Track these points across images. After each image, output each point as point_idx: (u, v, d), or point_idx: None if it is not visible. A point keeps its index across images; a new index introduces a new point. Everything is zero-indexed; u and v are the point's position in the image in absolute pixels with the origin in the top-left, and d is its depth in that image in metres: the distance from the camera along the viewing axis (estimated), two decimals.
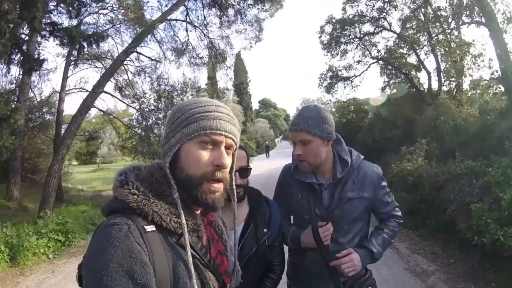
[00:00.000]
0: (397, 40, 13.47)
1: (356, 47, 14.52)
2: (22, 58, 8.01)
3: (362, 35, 14.14)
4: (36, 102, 11.81)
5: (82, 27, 9.98)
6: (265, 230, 1.53)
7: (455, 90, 12.14)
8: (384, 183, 1.69)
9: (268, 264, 1.60)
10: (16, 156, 8.89)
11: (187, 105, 0.89)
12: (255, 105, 63.56)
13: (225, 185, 0.89)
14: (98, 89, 8.83)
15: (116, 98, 11.76)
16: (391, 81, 14.56)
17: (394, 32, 13.42)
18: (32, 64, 8.08)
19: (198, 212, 0.91)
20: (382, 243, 1.66)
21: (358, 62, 14.73)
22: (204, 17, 12.44)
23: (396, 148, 9.21)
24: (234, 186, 1.03)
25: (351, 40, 14.39)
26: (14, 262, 5.07)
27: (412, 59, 13.43)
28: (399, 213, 1.77)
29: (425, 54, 12.90)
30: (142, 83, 12.54)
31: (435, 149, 7.97)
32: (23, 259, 5.11)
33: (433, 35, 12.08)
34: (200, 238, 0.87)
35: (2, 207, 8.59)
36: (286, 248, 1.72)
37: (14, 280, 4.67)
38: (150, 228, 0.76)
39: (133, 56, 11.05)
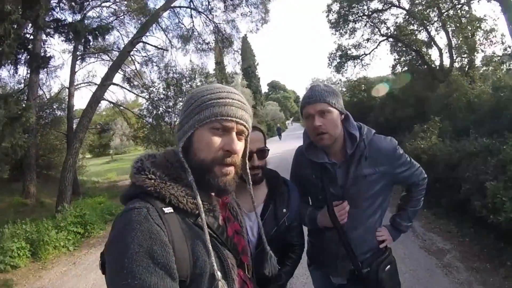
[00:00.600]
0: (407, 17, 13.09)
1: (365, 25, 14.23)
2: (28, 57, 8.09)
3: (370, 12, 13.79)
4: (46, 99, 11.99)
5: (86, 21, 9.96)
6: (284, 210, 1.54)
7: (467, 66, 11.88)
8: (399, 152, 1.62)
9: (288, 244, 1.60)
10: (30, 153, 9.08)
11: (200, 92, 0.92)
12: (264, 88, 63.47)
13: (236, 169, 0.92)
14: (106, 81, 8.89)
15: (125, 89, 11.88)
16: (402, 59, 14.20)
17: (403, 9, 13.03)
18: (39, 62, 8.15)
19: (213, 194, 0.93)
20: (407, 218, 1.75)
21: (368, 40, 14.47)
22: (208, 2, 12.28)
23: (409, 127, 9.09)
24: (248, 170, 1.06)
25: (359, 18, 14.06)
26: (36, 257, 5.24)
27: (423, 36, 13.10)
28: (423, 174, 1.72)
29: (436, 30, 12.55)
30: (150, 72, 12.66)
31: (449, 127, 7.84)
32: (44, 253, 5.27)
33: (443, 11, 11.71)
34: (216, 218, 0.91)
35: (19, 205, 8.85)
36: (306, 228, 1.72)
37: (36, 275, 4.83)
38: (168, 209, 0.79)
39: (139, 46, 11.07)
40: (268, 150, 1.54)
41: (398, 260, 1.74)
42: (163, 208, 0.79)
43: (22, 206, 8.81)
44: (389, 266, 1.62)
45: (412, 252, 4.22)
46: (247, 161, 1.06)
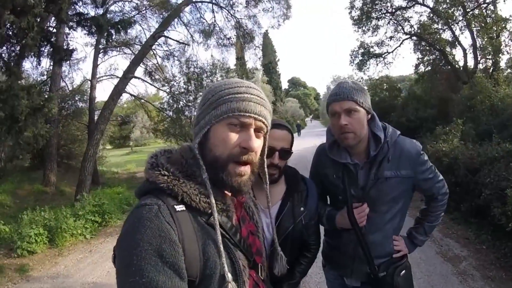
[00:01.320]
0: (431, 15, 12.75)
1: (388, 23, 13.94)
2: (51, 49, 8.31)
3: (394, 10, 13.49)
4: (68, 91, 12.30)
5: (108, 16, 10.16)
6: (301, 208, 1.52)
7: (491, 68, 11.54)
8: (424, 158, 1.56)
9: (304, 243, 1.59)
10: (51, 143, 9.37)
11: (218, 86, 0.89)
12: (284, 85, 63.06)
13: (253, 168, 0.88)
14: (128, 74, 9.06)
15: (147, 82, 12.09)
16: (425, 58, 13.84)
17: (427, 7, 12.69)
18: (61, 55, 8.36)
19: (228, 193, 0.91)
20: (424, 233, 1.70)
21: (391, 38, 14.18)
22: None
23: (431, 128, 8.88)
24: (266, 169, 1.03)
25: (383, 15, 13.79)
26: (53, 243, 5.40)
27: (447, 35, 12.75)
28: (445, 188, 1.65)
29: (460, 30, 12.22)
30: (171, 66, 12.75)
31: (471, 130, 7.62)
32: (61, 240, 5.42)
33: (468, 10, 11.35)
34: (230, 218, 0.88)
35: (40, 192, 9.15)
36: (322, 228, 1.69)
37: (52, 261, 4.97)
38: (180, 207, 0.78)
39: (161, 40, 11.22)
40: (292, 152, 1.51)
41: (413, 265, 1.70)
42: (175, 206, 0.77)
43: (42, 194, 9.11)
44: (404, 271, 1.59)
45: (428, 257, 4.14)
46: (265, 159, 1.02)
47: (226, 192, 0.89)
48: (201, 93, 11.03)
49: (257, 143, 0.87)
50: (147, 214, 0.73)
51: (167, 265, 0.70)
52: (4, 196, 8.43)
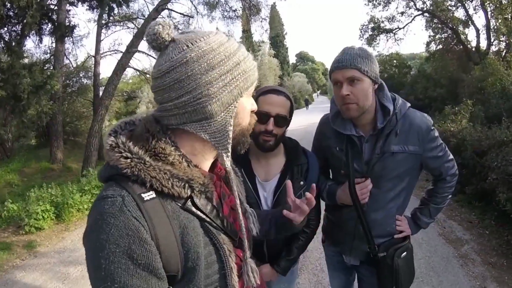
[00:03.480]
0: None
1: None
2: (53, 27, 8.18)
3: None
4: (72, 68, 12.24)
5: None
6: (301, 182, 1.46)
7: (505, 50, 11.24)
8: (434, 134, 1.46)
9: None
10: (57, 120, 9.41)
11: (226, 48, 0.73)
12: (292, 59, 61.56)
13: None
14: (131, 49, 8.92)
15: (151, 56, 11.86)
16: (437, 36, 13.47)
17: None
18: (63, 31, 8.24)
19: (206, 170, 0.81)
20: (429, 215, 1.63)
21: (402, 13, 13.80)
22: None
23: (440, 108, 8.74)
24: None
25: None
26: (60, 219, 5.49)
27: (460, 14, 12.37)
28: (454, 169, 1.57)
29: (474, 9, 11.85)
30: None
31: (480, 112, 7.46)
32: (68, 215, 5.51)
33: None
34: (210, 199, 0.77)
35: (47, 169, 9.27)
36: (323, 203, 1.65)
37: (59, 236, 5.07)
38: (148, 195, 0.66)
39: (165, 13, 10.89)
40: (290, 120, 1.44)
41: (415, 245, 1.67)
42: (142, 195, 0.65)
43: (49, 171, 9.24)
44: (405, 253, 1.54)
45: (430, 238, 4.13)
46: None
47: (203, 170, 0.79)
48: None
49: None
50: (110, 209, 0.62)
51: (140, 267, 0.62)
52: (12, 175, 8.56)
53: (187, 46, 0.70)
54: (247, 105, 0.80)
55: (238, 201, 0.84)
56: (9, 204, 5.48)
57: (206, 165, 0.82)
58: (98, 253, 0.61)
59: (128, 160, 0.67)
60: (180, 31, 0.79)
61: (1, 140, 8.62)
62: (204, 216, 0.74)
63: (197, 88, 0.70)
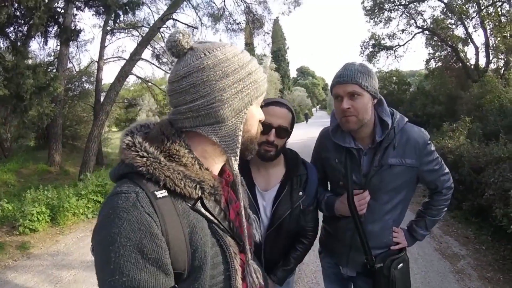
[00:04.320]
0: (444, 10, 12.53)
1: (401, 15, 13.85)
2: (58, 30, 8.27)
3: (407, 2, 13.36)
4: (75, 72, 12.31)
5: None
6: (300, 193, 1.49)
7: (503, 68, 11.42)
8: (430, 148, 1.50)
9: (301, 229, 1.56)
10: (57, 123, 9.41)
11: (238, 59, 0.78)
12: (293, 73, 62.18)
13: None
14: (135, 56, 8.98)
15: (154, 65, 11.99)
16: (436, 54, 13.68)
17: (441, 1, 12.49)
18: (69, 35, 8.33)
19: (215, 173, 0.84)
20: (425, 227, 1.66)
21: (403, 31, 14.10)
22: None
23: (438, 124, 8.80)
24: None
25: (396, 7, 13.67)
26: (55, 222, 5.44)
27: (460, 32, 12.63)
28: (450, 183, 1.60)
29: (474, 28, 12.12)
30: None
31: (478, 129, 7.53)
32: (63, 219, 5.46)
33: (483, 7, 11.14)
34: (218, 201, 0.79)
35: (44, 172, 9.22)
36: (321, 214, 1.66)
37: (53, 239, 5.03)
38: (161, 193, 0.69)
39: (169, 23, 10.98)
40: (291, 132, 1.47)
41: (411, 260, 1.67)
42: (155, 192, 0.68)
43: (46, 173, 9.19)
44: (401, 264, 1.55)
45: (427, 253, 4.13)
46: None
47: (214, 173, 0.82)
48: None
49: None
50: (124, 204, 0.64)
51: (149, 262, 0.63)
52: (8, 175, 8.52)
53: (205, 54, 0.75)
54: (256, 113, 0.84)
55: (242, 206, 0.87)
56: (4, 203, 5.44)
57: (215, 169, 0.85)
58: (108, 247, 0.62)
59: (144, 159, 0.70)
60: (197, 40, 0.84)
61: (0, 139, 8.61)
62: (212, 218, 0.76)
63: (211, 93, 0.74)
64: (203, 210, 0.75)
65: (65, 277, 3.78)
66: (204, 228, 0.74)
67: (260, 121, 0.87)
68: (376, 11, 13.83)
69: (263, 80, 0.82)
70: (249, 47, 15.05)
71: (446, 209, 1.65)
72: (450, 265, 3.85)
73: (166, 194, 0.69)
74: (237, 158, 0.80)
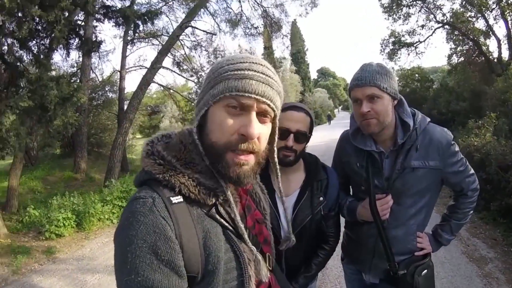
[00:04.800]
0: (464, 2, 12.10)
1: (420, 10, 13.46)
2: (80, 42, 8.56)
3: None
4: (98, 82, 12.74)
5: (135, 7, 10.29)
6: (321, 198, 1.47)
7: None
8: (454, 149, 1.45)
9: (323, 235, 1.54)
10: (82, 132, 9.76)
11: (221, 62, 0.78)
12: (313, 75, 61.72)
13: (258, 158, 0.78)
14: (156, 65, 9.17)
15: (175, 72, 12.25)
16: (458, 48, 13.24)
17: None
18: (90, 46, 8.59)
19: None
20: (450, 231, 1.60)
21: (422, 26, 13.70)
22: None
23: (463, 122, 8.54)
24: (276, 160, 0.92)
25: (414, 2, 13.30)
26: (80, 227, 5.64)
27: (480, 24, 12.16)
28: (475, 184, 1.54)
29: (494, 19, 11.63)
30: (199, 56, 12.70)
31: (505, 125, 7.20)
32: (89, 224, 5.65)
33: None
34: (233, 208, 0.79)
35: (70, 179, 9.58)
36: (343, 219, 1.64)
37: (79, 244, 5.20)
38: (176, 199, 0.72)
39: (188, 31, 11.20)
40: (309, 136, 1.45)
41: (437, 264, 1.62)
42: (171, 198, 0.71)
43: (72, 180, 9.54)
44: (426, 271, 1.51)
45: (453, 256, 3.99)
46: (275, 148, 0.90)
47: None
48: None
49: (260, 130, 0.75)
50: (141, 208, 0.68)
51: (163, 263, 0.66)
52: (35, 182, 8.89)
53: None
54: (218, 117, 0.76)
55: (267, 214, 0.93)
56: (31, 210, 5.68)
57: None
58: (126, 248, 0.66)
59: (161, 167, 0.75)
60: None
61: (27, 148, 8.98)
62: (226, 224, 0.78)
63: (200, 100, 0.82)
64: (217, 216, 0.76)
65: (89, 281, 3.90)
66: (218, 233, 0.75)
67: (240, 133, 0.74)
68: (394, 7, 13.50)
69: (224, 76, 0.75)
70: (268, 50, 15.09)
71: (472, 212, 1.59)
72: (477, 269, 3.71)
73: (181, 200, 0.72)
74: (207, 172, 0.77)
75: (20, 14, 5.18)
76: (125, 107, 9.95)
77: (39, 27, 5.86)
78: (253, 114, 0.74)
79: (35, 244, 5.04)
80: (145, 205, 0.69)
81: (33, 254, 4.68)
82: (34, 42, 6.17)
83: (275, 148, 0.91)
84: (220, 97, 0.74)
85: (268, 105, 0.76)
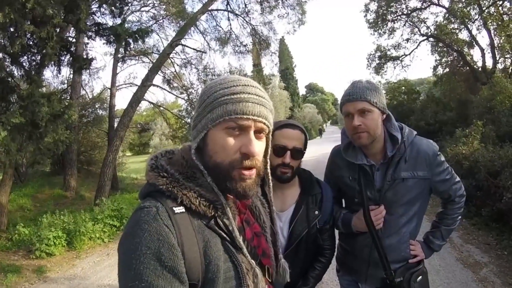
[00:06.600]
0: (447, 15, 12.53)
1: (404, 24, 13.84)
2: (71, 58, 8.58)
3: (409, 11, 13.39)
4: (88, 99, 12.70)
5: (126, 25, 10.37)
6: (316, 212, 1.51)
7: (511, 67, 11.19)
8: (440, 159, 1.53)
9: (318, 247, 1.57)
10: (72, 149, 9.64)
11: (213, 86, 0.84)
12: (302, 90, 61.72)
13: (258, 172, 0.84)
14: (146, 82, 9.22)
15: (165, 90, 12.30)
16: (443, 60, 13.61)
17: (443, 7, 12.54)
18: (81, 63, 8.59)
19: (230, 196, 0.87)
20: (441, 237, 1.66)
21: (407, 40, 14.06)
22: (245, 5, 12.35)
23: (451, 131, 8.71)
24: (268, 170, 0.97)
25: (398, 17, 13.70)
26: (71, 246, 5.51)
27: (464, 35, 12.53)
28: (462, 190, 1.61)
29: (477, 29, 12.05)
30: (189, 74, 12.83)
31: (491, 131, 7.39)
32: (80, 243, 5.52)
33: (484, 8, 11.10)
34: (232, 221, 0.83)
35: (60, 197, 9.41)
36: (337, 232, 1.67)
37: (70, 263, 5.07)
38: (179, 209, 0.76)
39: (178, 49, 11.32)
40: (304, 152, 1.50)
41: (432, 272, 1.66)
42: (174, 208, 0.75)
43: (62, 198, 9.37)
44: (421, 277, 1.55)
45: (448, 264, 4.01)
46: (268, 160, 0.96)
47: (228, 195, 0.85)
48: None
49: (259, 147, 0.82)
50: (145, 217, 0.72)
51: (166, 269, 0.68)
52: (25, 200, 8.71)
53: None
54: (219, 139, 0.81)
55: (266, 227, 0.96)
56: (21, 228, 5.55)
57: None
58: (130, 255, 0.68)
59: (164, 179, 0.79)
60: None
61: (16, 164, 8.84)
62: (224, 235, 0.81)
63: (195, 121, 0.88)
64: (216, 228, 0.80)
65: None
66: (217, 243, 0.79)
67: (242, 152, 0.80)
68: (379, 23, 13.87)
69: (221, 101, 0.80)
70: (258, 67, 15.26)
71: (460, 217, 1.66)
72: (472, 274, 3.74)
73: (183, 210, 0.76)
74: (207, 187, 0.81)
75: (12, 29, 5.21)
76: (115, 124, 9.95)
77: (31, 43, 5.88)
78: (252, 133, 0.80)
79: (25, 263, 4.92)
80: (149, 214, 0.72)
81: (23, 273, 4.56)
82: (25, 57, 6.17)
83: (268, 160, 0.96)
84: (220, 120, 0.79)
85: (264, 123, 0.82)
